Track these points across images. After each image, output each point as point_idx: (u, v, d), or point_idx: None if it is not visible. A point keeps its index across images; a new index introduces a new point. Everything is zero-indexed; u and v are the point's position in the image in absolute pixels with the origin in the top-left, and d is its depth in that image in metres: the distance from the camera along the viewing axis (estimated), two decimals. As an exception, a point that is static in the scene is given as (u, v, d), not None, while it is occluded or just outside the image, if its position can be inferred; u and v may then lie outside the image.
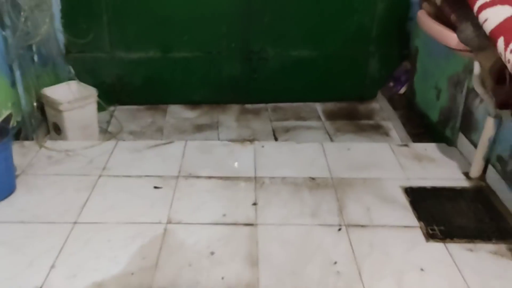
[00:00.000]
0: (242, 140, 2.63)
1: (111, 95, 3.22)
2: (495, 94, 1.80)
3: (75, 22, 2.98)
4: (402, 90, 3.27)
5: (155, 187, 2.17)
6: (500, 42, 1.46)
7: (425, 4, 2.18)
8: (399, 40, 3.27)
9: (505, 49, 1.43)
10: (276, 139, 2.94)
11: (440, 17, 2.01)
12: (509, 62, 1.41)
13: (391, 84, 3.37)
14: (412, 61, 3.15)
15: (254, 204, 2.06)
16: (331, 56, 3.27)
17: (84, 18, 2.99)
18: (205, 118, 3.20)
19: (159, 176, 2.25)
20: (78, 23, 2.99)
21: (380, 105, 3.38)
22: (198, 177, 2.25)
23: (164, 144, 2.53)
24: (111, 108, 3.24)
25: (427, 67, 2.90)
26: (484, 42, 1.64)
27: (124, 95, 3.28)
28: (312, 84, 3.36)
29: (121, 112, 3.26)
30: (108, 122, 3.12)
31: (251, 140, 2.61)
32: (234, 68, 3.24)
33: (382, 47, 3.27)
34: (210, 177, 2.25)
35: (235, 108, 3.33)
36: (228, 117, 3.21)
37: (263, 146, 2.52)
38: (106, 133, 3.00)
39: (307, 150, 2.50)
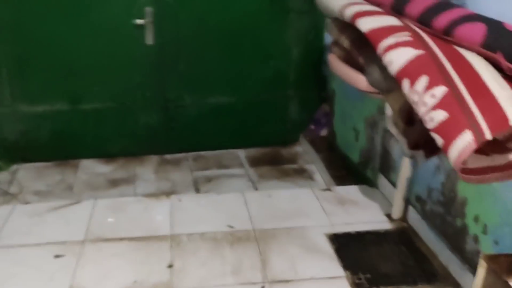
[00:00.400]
0: (158, 195, 2.45)
1: (14, 153, 2.93)
2: (406, 135, 1.79)
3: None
4: (323, 133, 3.28)
5: (56, 256, 1.91)
6: (406, 84, 1.45)
7: (335, 48, 2.20)
8: (317, 83, 3.30)
9: (411, 91, 1.42)
10: (197, 190, 2.79)
11: (350, 61, 2.01)
12: (416, 103, 1.39)
13: (312, 127, 3.37)
14: (330, 103, 3.18)
15: (170, 266, 1.87)
16: (250, 101, 3.22)
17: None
18: (120, 172, 2.98)
19: (61, 243, 2.00)
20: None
21: (303, 149, 3.36)
22: (106, 240, 2.03)
23: (70, 205, 2.29)
24: (14, 167, 2.93)
25: (344, 109, 2.93)
26: (391, 84, 1.63)
27: (29, 151, 2.99)
28: (233, 130, 3.28)
29: (25, 170, 2.95)
30: (10, 183, 2.80)
31: (168, 194, 2.43)
32: (151, 118, 3.08)
33: (300, 90, 3.28)
34: (120, 239, 2.03)
35: (153, 159, 3.14)
36: (146, 170, 3.01)
37: (180, 200, 2.35)
38: (6, 195, 2.68)
39: (228, 201, 2.37)
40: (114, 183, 2.84)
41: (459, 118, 1.22)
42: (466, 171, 1.28)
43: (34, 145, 2.98)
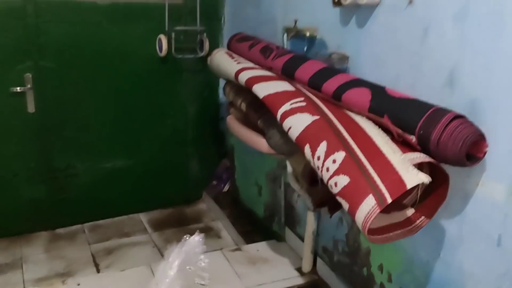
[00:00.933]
0: (52, 279, 2.20)
1: None
2: (310, 194, 1.85)
3: None
4: (226, 188, 3.27)
5: None
6: (307, 149, 1.50)
7: (232, 110, 2.23)
8: (215, 139, 3.31)
9: (312, 156, 1.47)
10: (97, 266, 2.56)
11: (248, 122, 2.05)
12: (318, 168, 1.44)
13: (214, 182, 3.34)
14: (230, 158, 3.20)
15: None
16: (148, 162, 3.11)
17: None
18: (3, 255, 2.63)
19: None
20: None
21: (207, 206, 3.30)
22: None
23: None
24: None
25: (245, 164, 2.96)
26: (293, 147, 1.68)
27: None
28: (132, 194, 3.12)
29: None
30: None
31: (64, 277, 2.19)
32: (37, 190, 2.80)
33: (199, 148, 3.26)
34: None
35: (42, 236, 2.83)
36: (35, 249, 2.70)
37: (79, 284, 2.13)
38: None
39: (134, 277, 2.20)
40: (-4, 270, 2.49)
41: (361, 183, 1.28)
42: (371, 231, 1.34)
43: None
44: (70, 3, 2.62)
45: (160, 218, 3.14)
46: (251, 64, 2.09)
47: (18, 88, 2.59)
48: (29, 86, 2.61)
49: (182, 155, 3.23)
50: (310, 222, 2.18)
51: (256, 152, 2.69)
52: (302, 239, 2.31)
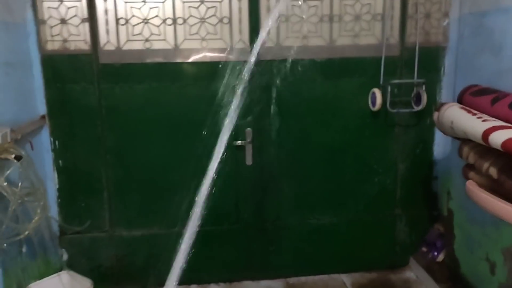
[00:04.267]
0: None
1: (109, 279, 2.80)
2: None
3: (73, 201, 2.71)
4: (440, 258, 2.88)
5: None
6: None
7: (472, 174, 1.94)
8: (427, 201, 3.00)
9: None
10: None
11: (500, 191, 1.73)
12: None
13: (424, 249, 2.99)
14: (446, 225, 2.83)
15: None
16: (353, 221, 2.96)
17: (83, 196, 2.72)
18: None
19: None
20: (76, 202, 2.71)
21: (415, 274, 2.96)
22: None
23: None
24: (106, 294, 2.78)
25: (469, 234, 2.56)
26: None
27: (123, 277, 2.85)
28: (335, 253, 2.98)
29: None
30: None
31: None
32: (247, 241, 2.88)
33: (409, 209, 2.98)
34: None
35: (250, 285, 2.88)
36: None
37: None
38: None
39: None
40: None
41: None
42: None
43: (130, 270, 2.85)
44: (294, 61, 2.70)
45: (363, 282, 2.92)
46: (501, 122, 1.79)
47: (240, 141, 2.74)
48: (248, 140, 2.75)
49: (390, 215, 2.99)
50: None
51: (487, 221, 2.32)
52: None
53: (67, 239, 2.74)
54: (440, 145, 2.91)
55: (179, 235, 2.84)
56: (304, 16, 2.67)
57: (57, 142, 2.65)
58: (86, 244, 2.77)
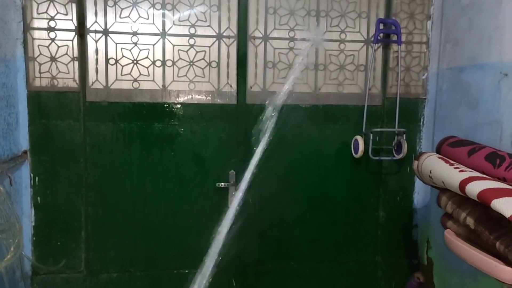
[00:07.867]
0: None
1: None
2: None
3: (49, 239, 2.64)
4: (420, 307, 2.87)
5: None
6: None
7: (450, 223, 1.97)
8: (407, 249, 3.01)
9: None
10: None
11: (477, 241, 1.76)
12: None
13: (405, 299, 2.97)
14: (426, 273, 2.83)
15: None
16: (334, 266, 2.94)
17: (60, 234, 2.65)
18: None
19: None
20: (51, 241, 2.64)
21: (395, 324, 2.92)
22: None
23: None
24: None
25: (448, 284, 2.56)
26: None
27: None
28: (316, 299, 2.94)
29: None
30: None
31: None
32: (227, 285, 2.83)
33: (389, 256, 2.98)
34: None
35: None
36: None
37: None
38: None
39: None
40: None
41: None
42: None
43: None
44: (280, 106, 2.76)
45: (343, 331, 2.87)
46: (477, 173, 1.84)
47: (223, 183, 2.75)
48: (232, 182, 2.75)
49: (370, 262, 2.99)
50: None
51: (467, 272, 2.33)
52: None
53: (39, 279, 2.64)
54: (420, 193, 2.95)
55: (158, 277, 2.80)
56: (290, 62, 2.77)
57: (37, 178, 2.61)
58: (59, 285, 2.67)
